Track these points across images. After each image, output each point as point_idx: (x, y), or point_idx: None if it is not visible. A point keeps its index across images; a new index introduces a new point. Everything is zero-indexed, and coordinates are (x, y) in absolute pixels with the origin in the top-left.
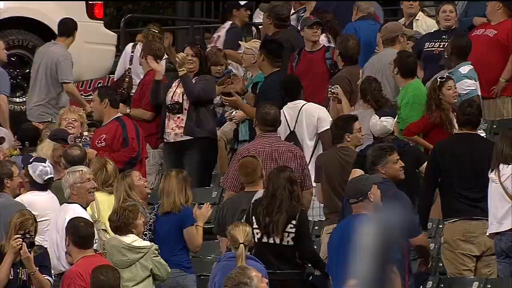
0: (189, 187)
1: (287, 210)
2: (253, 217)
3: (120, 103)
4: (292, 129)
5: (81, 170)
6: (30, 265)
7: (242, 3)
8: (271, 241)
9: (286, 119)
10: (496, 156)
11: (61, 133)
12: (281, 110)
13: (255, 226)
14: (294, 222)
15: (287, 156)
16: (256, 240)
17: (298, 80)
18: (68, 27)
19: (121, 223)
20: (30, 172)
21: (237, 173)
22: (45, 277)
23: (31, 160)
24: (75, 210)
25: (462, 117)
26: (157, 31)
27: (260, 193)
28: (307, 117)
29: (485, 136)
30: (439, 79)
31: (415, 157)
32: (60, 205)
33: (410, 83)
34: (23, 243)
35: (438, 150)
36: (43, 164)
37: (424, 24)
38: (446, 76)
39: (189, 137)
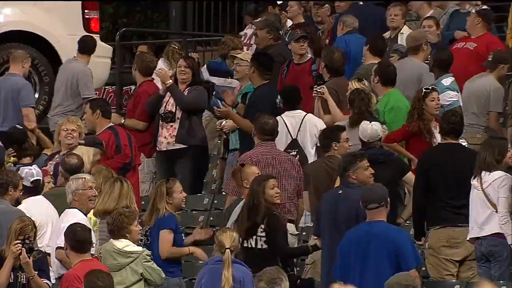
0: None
1: (262, 217)
2: (235, 224)
3: (114, 114)
4: (294, 137)
5: (84, 178)
6: (29, 270)
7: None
8: (248, 245)
9: (287, 127)
10: (479, 164)
11: (97, 140)
12: (281, 118)
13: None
14: (262, 226)
15: (287, 165)
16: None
17: (298, 90)
18: (88, 46)
19: (115, 227)
20: (25, 182)
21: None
22: (44, 281)
23: (17, 166)
24: (74, 215)
25: (446, 126)
26: (177, 47)
27: None
28: (310, 126)
29: (466, 146)
30: (424, 90)
31: (400, 167)
32: (61, 210)
33: (390, 91)
34: (23, 248)
35: (425, 160)
36: (29, 167)
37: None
38: (431, 87)
39: (181, 146)
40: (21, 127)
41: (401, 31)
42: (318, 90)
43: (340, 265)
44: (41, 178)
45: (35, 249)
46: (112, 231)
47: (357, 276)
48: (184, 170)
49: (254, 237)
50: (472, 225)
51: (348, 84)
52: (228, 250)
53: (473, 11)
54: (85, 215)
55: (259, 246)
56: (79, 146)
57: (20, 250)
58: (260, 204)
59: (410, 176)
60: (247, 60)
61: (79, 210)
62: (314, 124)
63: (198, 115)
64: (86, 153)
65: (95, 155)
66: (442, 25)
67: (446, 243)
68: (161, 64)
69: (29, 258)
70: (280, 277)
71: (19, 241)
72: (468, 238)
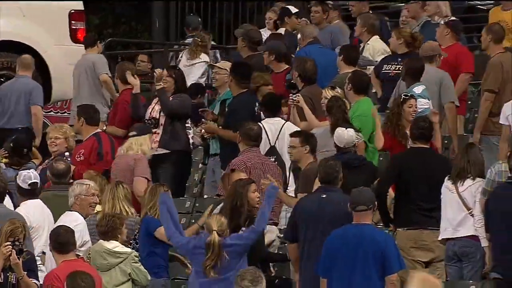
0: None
1: (242, 218)
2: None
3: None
4: (272, 144)
5: (89, 184)
6: (19, 270)
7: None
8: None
9: (267, 133)
10: (456, 169)
11: (144, 125)
12: (261, 124)
13: None
14: (243, 228)
15: (274, 170)
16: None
17: (278, 98)
18: (90, 40)
19: (109, 228)
20: (17, 181)
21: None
22: (33, 281)
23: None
24: (75, 218)
25: (416, 131)
26: (199, 40)
27: None
28: (288, 134)
29: None
30: (403, 96)
31: (373, 172)
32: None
33: (361, 99)
34: (13, 250)
35: (396, 164)
36: (27, 170)
37: (371, 48)
38: (410, 95)
39: (164, 151)
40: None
41: (367, 42)
42: (294, 99)
43: (324, 263)
44: (38, 181)
45: (24, 250)
46: (106, 232)
47: (345, 277)
48: (166, 175)
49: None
50: (445, 226)
51: (321, 92)
52: (215, 231)
53: (442, 22)
54: (84, 219)
55: None
56: (134, 137)
57: (10, 252)
58: (243, 206)
59: None
60: (225, 69)
61: (79, 213)
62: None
63: (182, 121)
64: (145, 143)
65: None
66: None
67: (414, 244)
68: (184, 57)
69: (19, 259)
70: (261, 276)
71: (9, 243)
72: (440, 238)
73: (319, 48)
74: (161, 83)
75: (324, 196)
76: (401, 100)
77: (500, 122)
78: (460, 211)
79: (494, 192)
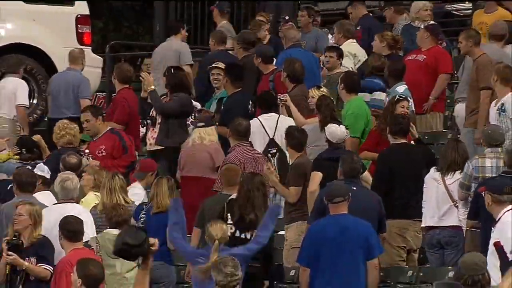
0: (175, 191)
1: (264, 208)
2: (228, 214)
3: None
4: (271, 136)
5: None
6: (18, 263)
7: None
8: (243, 236)
9: (264, 128)
10: (446, 162)
11: (208, 115)
12: (257, 120)
13: (229, 222)
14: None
15: (263, 161)
16: (229, 234)
17: (272, 95)
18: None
19: (119, 217)
20: (40, 173)
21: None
22: (42, 266)
23: (33, 163)
24: (76, 208)
25: (395, 127)
26: (263, 20)
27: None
28: (284, 126)
29: None
30: (398, 96)
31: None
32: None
33: (353, 98)
34: (5, 247)
35: (383, 160)
36: (38, 165)
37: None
38: (404, 96)
39: (158, 147)
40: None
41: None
42: (282, 98)
43: (307, 252)
44: (48, 176)
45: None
46: (118, 222)
47: (330, 265)
48: (162, 169)
49: (252, 230)
50: (432, 214)
51: (307, 92)
52: (217, 241)
53: (422, 26)
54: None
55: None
56: (203, 128)
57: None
58: (264, 201)
59: (366, 174)
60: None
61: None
62: (287, 124)
63: (179, 119)
64: (212, 133)
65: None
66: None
67: (399, 231)
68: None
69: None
70: (239, 263)
71: (6, 239)
72: (423, 225)
73: (300, 50)
74: (152, 86)
75: (354, 188)
76: (395, 100)
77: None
78: (446, 202)
79: (487, 183)
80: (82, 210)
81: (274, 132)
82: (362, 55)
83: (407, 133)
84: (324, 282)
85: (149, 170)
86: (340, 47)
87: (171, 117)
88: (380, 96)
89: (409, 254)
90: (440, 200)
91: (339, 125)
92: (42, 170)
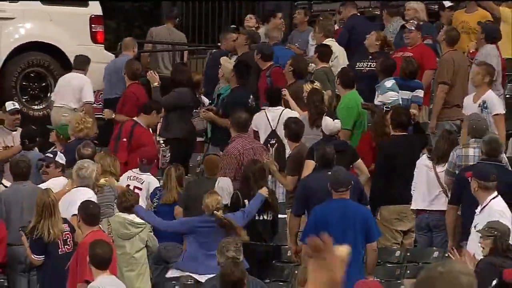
0: (183, 181)
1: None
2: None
3: (107, 110)
4: (273, 128)
5: (91, 163)
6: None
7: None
8: (264, 217)
9: (268, 119)
10: (437, 153)
11: None
12: (264, 112)
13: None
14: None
15: (262, 151)
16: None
17: (279, 90)
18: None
19: (129, 203)
20: (61, 161)
21: (231, 164)
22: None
23: (54, 150)
24: (86, 192)
25: (395, 120)
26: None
27: (223, 179)
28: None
29: None
30: (385, 108)
31: (352, 155)
32: None
33: (348, 92)
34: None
35: (383, 150)
36: (51, 154)
37: None
38: (391, 107)
39: (161, 138)
40: (35, 128)
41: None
42: (283, 93)
43: (310, 232)
44: (63, 163)
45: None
46: (127, 207)
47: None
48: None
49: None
50: (421, 199)
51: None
52: (215, 211)
53: (407, 25)
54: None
55: (268, 218)
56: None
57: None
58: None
59: (359, 162)
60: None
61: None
62: (289, 117)
63: (177, 111)
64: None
65: None
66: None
67: (398, 216)
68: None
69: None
70: (241, 244)
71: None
72: (412, 208)
73: (283, 49)
74: (156, 83)
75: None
76: (384, 112)
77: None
78: (436, 188)
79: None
80: (91, 195)
81: (277, 124)
82: (339, 52)
83: (408, 126)
84: None
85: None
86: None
87: (168, 110)
88: (421, 93)
89: (407, 234)
90: (431, 186)
91: (333, 119)
92: (62, 158)
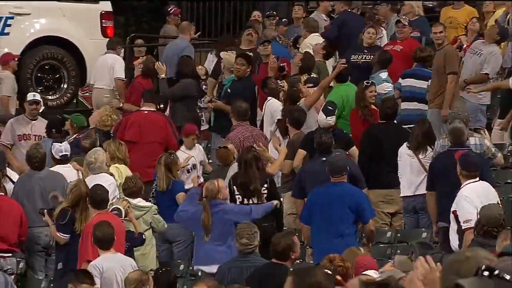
0: (174, 167)
1: (259, 179)
2: (234, 187)
3: (116, 99)
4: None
5: (101, 151)
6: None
7: None
8: (250, 201)
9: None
10: (412, 143)
11: None
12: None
13: (236, 193)
14: (266, 185)
15: (262, 138)
16: (238, 203)
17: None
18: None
19: (137, 188)
20: (52, 151)
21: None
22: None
23: (52, 142)
24: (105, 178)
25: (383, 111)
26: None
27: (233, 167)
28: (269, 109)
29: None
30: (365, 83)
31: (345, 141)
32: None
33: (338, 85)
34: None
35: (369, 136)
36: (59, 144)
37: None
38: (371, 82)
39: None
40: (60, 117)
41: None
42: (281, 85)
43: (307, 212)
44: (68, 153)
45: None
46: (135, 192)
47: (327, 224)
48: None
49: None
50: (407, 186)
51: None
52: (206, 198)
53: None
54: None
55: (260, 202)
56: None
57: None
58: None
59: (353, 150)
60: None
61: (107, 173)
62: (273, 107)
63: (184, 101)
64: None
65: None
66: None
67: (384, 199)
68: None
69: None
70: (256, 231)
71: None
72: (401, 195)
73: (275, 44)
74: (163, 75)
75: (324, 159)
76: (364, 86)
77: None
78: (420, 174)
79: (438, 158)
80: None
81: (263, 114)
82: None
83: (394, 117)
84: (319, 239)
85: (189, 133)
86: (305, 39)
87: (174, 100)
88: None
89: (395, 216)
90: (415, 173)
91: (326, 116)
92: (57, 151)
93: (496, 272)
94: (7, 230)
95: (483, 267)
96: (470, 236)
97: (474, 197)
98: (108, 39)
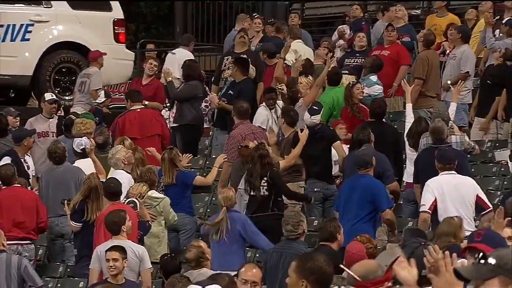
0: (177, 160)
1: (259, 173)
2: (245, 180)
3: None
4: None
5: (122, 148)
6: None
7: None
8: (253, 193)
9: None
10: (412, 141)
11: None
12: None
13: (240, 187)
14: (265, 179)
15: (262, 135)
16: (249, 194)
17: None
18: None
19: (151, 181)
20: (73, 145)
21: (235, 147)
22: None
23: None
24: (122, 174)
25: (372, 111)
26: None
27: None
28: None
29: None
30: (352, 82)
31: (331, 137)
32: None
33: (330, 88)
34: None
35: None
36: (79, 139)
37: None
38: (357, 81)
39: (175, 124)
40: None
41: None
42: (279, 87)
43: (339, 201)
44: (88, 147)
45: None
46: (150, 185)
47: (352, 211)
48: (179, 141)
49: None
50: (408, 175)
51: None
52: (225, 207)
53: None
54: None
55: (261, 193)
56: None
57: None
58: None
59: (337, 144)
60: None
61: (125, 171)
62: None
63: (191, 101)
64: None
65: None
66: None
67: None
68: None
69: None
70: (302, 220)
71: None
72: (407, 181)
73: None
74: (170, 78)
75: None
76: (350, 85)
77: None
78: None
79: (422, 154)
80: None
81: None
82: (302, 50)
83: (382, 116)
84: (344, 224)
85: None
86: (288, 45)
87: (182, 101)
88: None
89: None
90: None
91: (311, 115)
92: (78, 145)
93: (489, 259)
94: (24, 218)
95: (480, 255)
96: (422, 217)
97: (434, 187)
98: (119, 44)
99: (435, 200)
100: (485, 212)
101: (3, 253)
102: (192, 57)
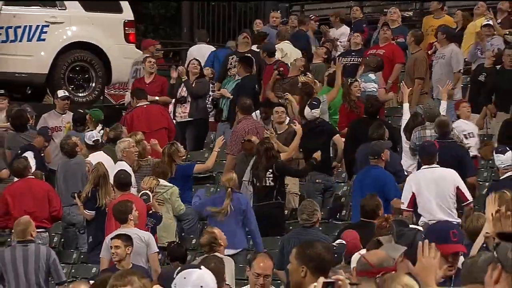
0: (175, 155)
1: (264, 165)
2: (251, 172)
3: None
4: None
5: (129, 140)
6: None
7: None
8: (258, 184)
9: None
10: (408, 134)
11: None
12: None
13: (244, 179)
14: (270, 170)
15: (262, 130)
16: (255, 185)
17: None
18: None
19: (162, 171)
20: (84, 139)
21: (239, 141)
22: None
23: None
24: (123, 165)
25: (366, 108)
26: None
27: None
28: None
29: None
30: (349, 80)
31: (331, 131)
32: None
33: (327, 88)
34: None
35: (349, 127)
36: (91, 131)
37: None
38: (355, 79)
39: (189, 118)
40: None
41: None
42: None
43: (354, 190)
44: (99, 139)
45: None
46: (160, 174)
47: (357, 197)
48: (190, 134)
49: (264, 178)
50: (404, 163)
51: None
52: (230, 188)
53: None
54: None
55: (266, 184)
56: None
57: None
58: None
59: (336, 138)
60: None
61: (126, 162)
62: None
63: (202, 97)
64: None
65: None
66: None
67: None
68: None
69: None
70: (316, 209)
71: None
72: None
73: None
74: (184, 76)
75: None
76: (349, 83)
77: None
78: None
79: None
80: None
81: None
82: (288, 50)
83: (376, 112)
84: (354, 206)
85: None
86: (277, 45)
87: (198, 97)
88: None
89: None
90: (408, 155)
91: (311, 109)
92: (90, 137)
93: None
94: (35, 208)
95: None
96: (404, 215)
97: (412, 182)
98: (130, 44)
99: (413, 195)
100: (464, 203)
101: (31, 244)
102: (209, 48)
